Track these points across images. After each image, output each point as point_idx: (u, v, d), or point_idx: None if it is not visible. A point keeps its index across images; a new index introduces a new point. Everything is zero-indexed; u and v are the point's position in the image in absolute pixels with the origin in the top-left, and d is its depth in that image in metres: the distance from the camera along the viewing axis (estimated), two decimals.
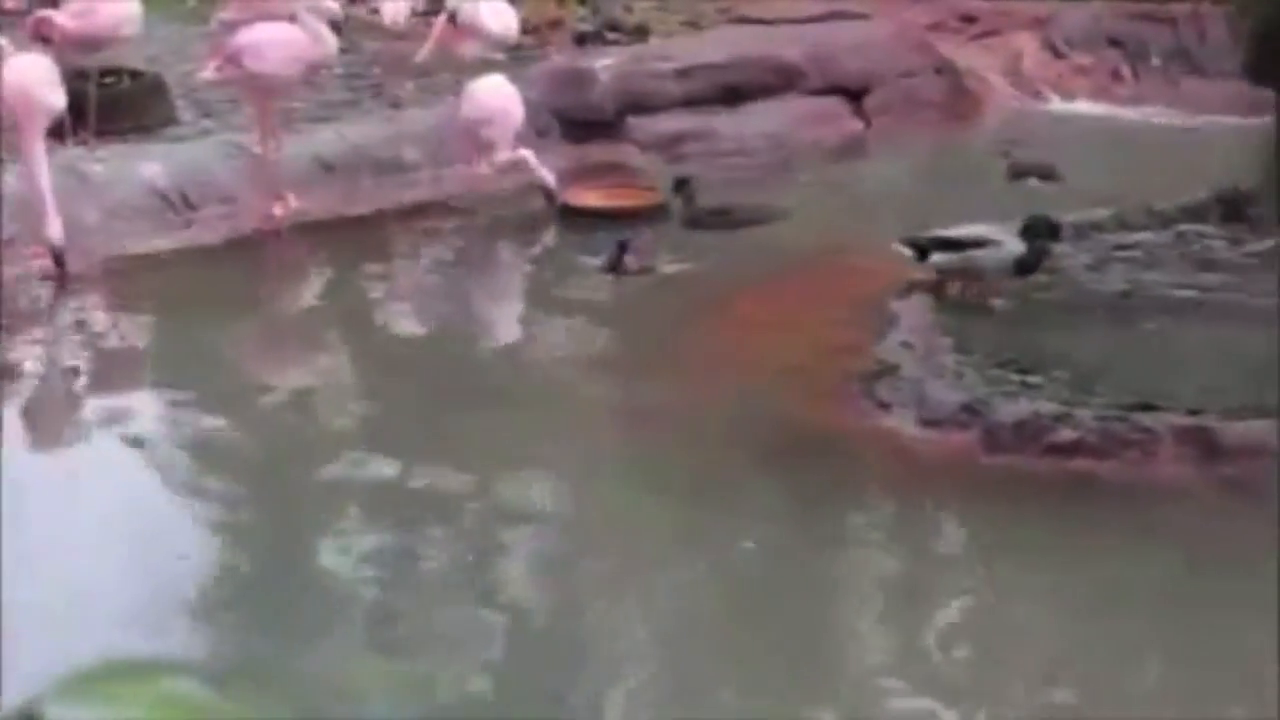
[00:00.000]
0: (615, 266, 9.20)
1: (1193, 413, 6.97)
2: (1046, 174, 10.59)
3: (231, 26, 11.11)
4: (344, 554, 6.48)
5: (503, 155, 10.48)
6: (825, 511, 6.73)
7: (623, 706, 5.58)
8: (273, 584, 6.28)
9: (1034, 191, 10.38)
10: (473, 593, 6.21)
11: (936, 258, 8.37)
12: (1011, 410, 7.06)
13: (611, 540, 6.61)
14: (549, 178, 10.44)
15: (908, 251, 8.47)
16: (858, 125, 12.47)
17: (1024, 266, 8.30)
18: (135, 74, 11.60)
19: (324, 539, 6.62)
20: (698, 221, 10.17)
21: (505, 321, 9.45)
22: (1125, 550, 6.33)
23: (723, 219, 10.16)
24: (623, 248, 9.21)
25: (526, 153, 10.51)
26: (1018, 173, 10.79)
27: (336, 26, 10.55)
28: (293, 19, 10.39)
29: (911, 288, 8.41)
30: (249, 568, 6.50)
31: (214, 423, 7.76)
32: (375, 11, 12.54)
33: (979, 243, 8.36)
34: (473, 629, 5.95)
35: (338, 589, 6.23)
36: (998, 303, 8.32)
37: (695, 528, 6.67)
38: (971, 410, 7.10)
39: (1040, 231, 8.37)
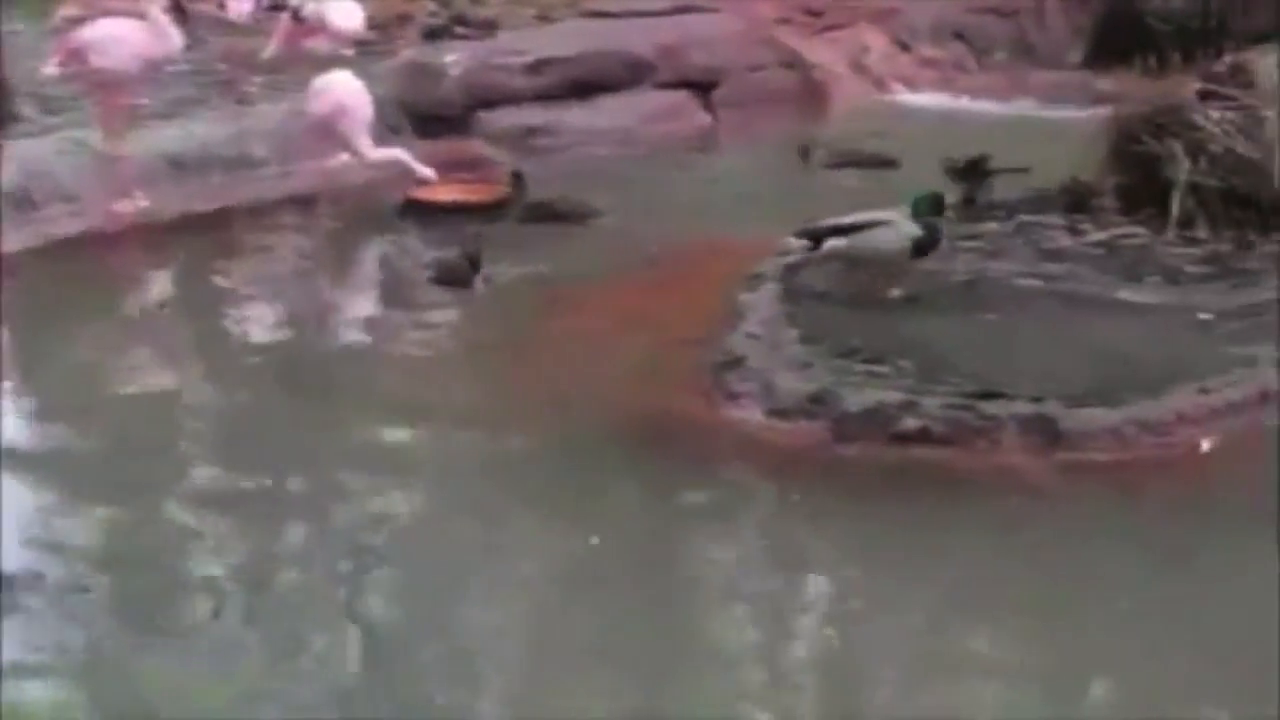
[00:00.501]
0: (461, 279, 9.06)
1: (1035, 400, 7.07)
2: (873, 163, 10.64)
3: (75, 22, 10.99)
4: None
5: (369, 153, 10.44)
6: (671, 503, 6.76)
7: (464, 699, 5.57)
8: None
9: (877, 185, 10.46)
10: (315, 594, 6.16)
11: (832, 243, 8.28)
12: (858, 400, 7.12)
13: (458, 536, 6.59)
14: (427, 171, 10.41)
15: (801, 243, 8.43)
16: (706, 119, 12.54)
17: (922, 246, 8.21)
18: None
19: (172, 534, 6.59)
20: (529, 216, 10.19)
21: (350, 320, 9.36)
22: (969, 536, 6.42)
23: (553, 213, 10.20)
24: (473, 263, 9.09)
25: (400, 151, 10.50)
26: (835, 163, 10.93)
27: (181, 17, 10.44)
28: (138, 15, 10.29)
29: (759, 279, 8.45)
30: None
31: (53, 427, 7.69)
32: (223, 6, 12.40)
33: (874, 225, 8.29)
34: (313, 635, 5.91)
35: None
36: (895, 293, 8.26)
37: (541, 523, 6.70)
38: (819, 400, 7.16)
39: (930, 210, 8.29)
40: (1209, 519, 6.48)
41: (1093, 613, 5.92)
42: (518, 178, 10.48)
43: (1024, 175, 9.62)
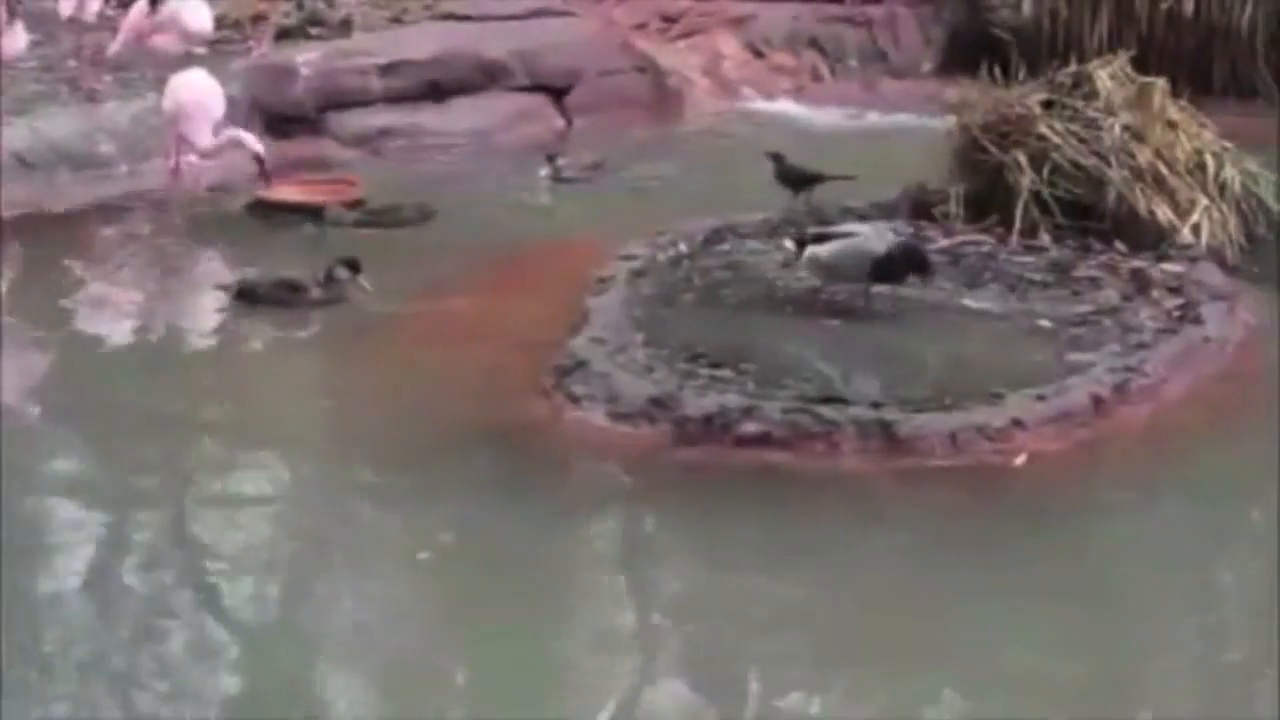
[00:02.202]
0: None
1: (874, 405, 7.14)
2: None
3: None
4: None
5: (203, 143, 10.37)
6: (510, 507, 6.72)
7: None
8: None
9: (726, 191, 10.51)
10: (146, 610, 6.10)
11: (810, 250, 8.28)
12: (699, 404, 7.16)
13: (302, 545, 6.56)
14: (259, 147, 10.33)
15: (791, 245, 8.45)
16: (560, 123, 12.56)
17: (883, 268, 8.13)
18: None
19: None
20: (367, 220, 10.15)
21: (190, 323, 9.22)
22: (807, 539, 6.46)
23: (390, 217, 10.16)
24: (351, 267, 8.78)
25: (238, 131, 10.43)
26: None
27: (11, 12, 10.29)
28: None
29: (606, 283, 8.48)
30: None
31: None
32: None
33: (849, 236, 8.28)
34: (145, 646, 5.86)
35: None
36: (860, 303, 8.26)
37: (379, 527, 6.69)
38: (660, 404, 7.19)
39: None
40: (1039, 524, 6.57)
41: (926, 615, 5.98)
42: None
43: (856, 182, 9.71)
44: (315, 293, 8.68)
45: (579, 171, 11.16)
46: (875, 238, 8.21)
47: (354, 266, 8.67)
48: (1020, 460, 6.92)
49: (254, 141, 10.35)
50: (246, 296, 8.77)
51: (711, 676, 5.79)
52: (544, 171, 11.05)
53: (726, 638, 5.96)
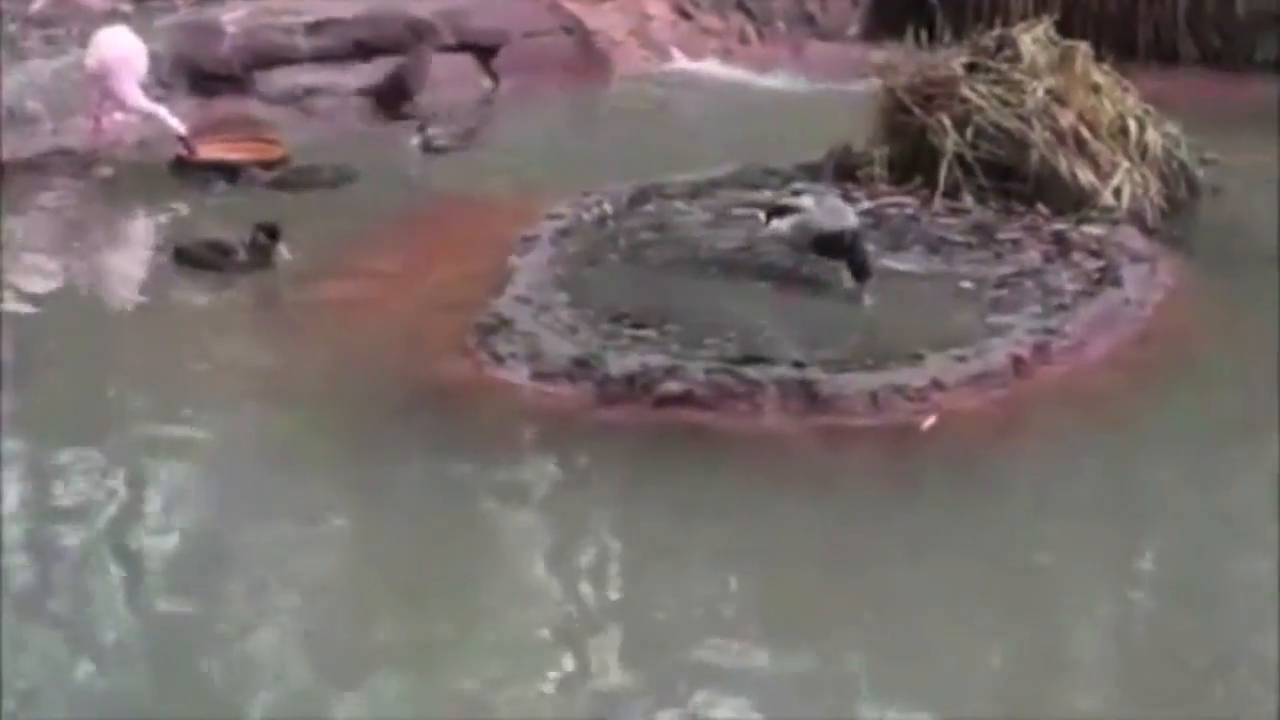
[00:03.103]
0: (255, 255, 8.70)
1: (796, 365, 7.19)
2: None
3: None
4: None
5: (136, 104, 10.31)
6: (431, 466, 6.76)
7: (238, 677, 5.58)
8: None
9: (652, 152, 10.52)
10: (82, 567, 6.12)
11: (774, 224, 8.31)
12: (622, 364, 7.19)
13: (229, 509, 6.55)
14: (181, 128, 10.29)
15: (761, 216, 8.47)
16: (488, 83, 12.53)
17: (826, 242, 8.15)
18: None
19: None
20: (285, 181, 10.11)
21: (116, 281, 9.22)
22: (728, 498, 6.51)
23: (309, 178, 10.14)
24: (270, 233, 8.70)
25: (159, 108, 10.37)
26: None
27: None
28: None
29: (530, 242, 8.49)
30: None
31: None
32: None
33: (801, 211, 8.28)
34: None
35: None
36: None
37: (311, 492, 6.68)
38: (583, 364, 7.22)
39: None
40: (953, 483, 6.64)
41: (841, 570, 6.04)
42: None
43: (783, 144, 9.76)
44: (242, 255, 8.63)
45: (451, 140, 11.10)
46: (825, 214, 8.20)
47: (273, 233, 8.61)
48: (929, 423, 6.96)
49: (174, 121, 10.28)
50: (178, 258, 8.77)
51: (625, 633, 5.86)
52: (415, 140, 10.96)
53: (642, 594, 6.02)
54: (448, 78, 12.33)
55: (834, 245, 8.08)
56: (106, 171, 10.33)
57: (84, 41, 10.71)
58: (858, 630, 5.74)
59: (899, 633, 5.70)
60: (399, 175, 10.41)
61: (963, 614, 5.79)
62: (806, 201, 8.28)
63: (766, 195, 9.16)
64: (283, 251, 8.54)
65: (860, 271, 8.01)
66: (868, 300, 7.95)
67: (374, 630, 5.76)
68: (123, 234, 9.85)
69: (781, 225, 8.23)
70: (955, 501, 6.48)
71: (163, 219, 9.85)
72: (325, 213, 9.55)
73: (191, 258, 8.75)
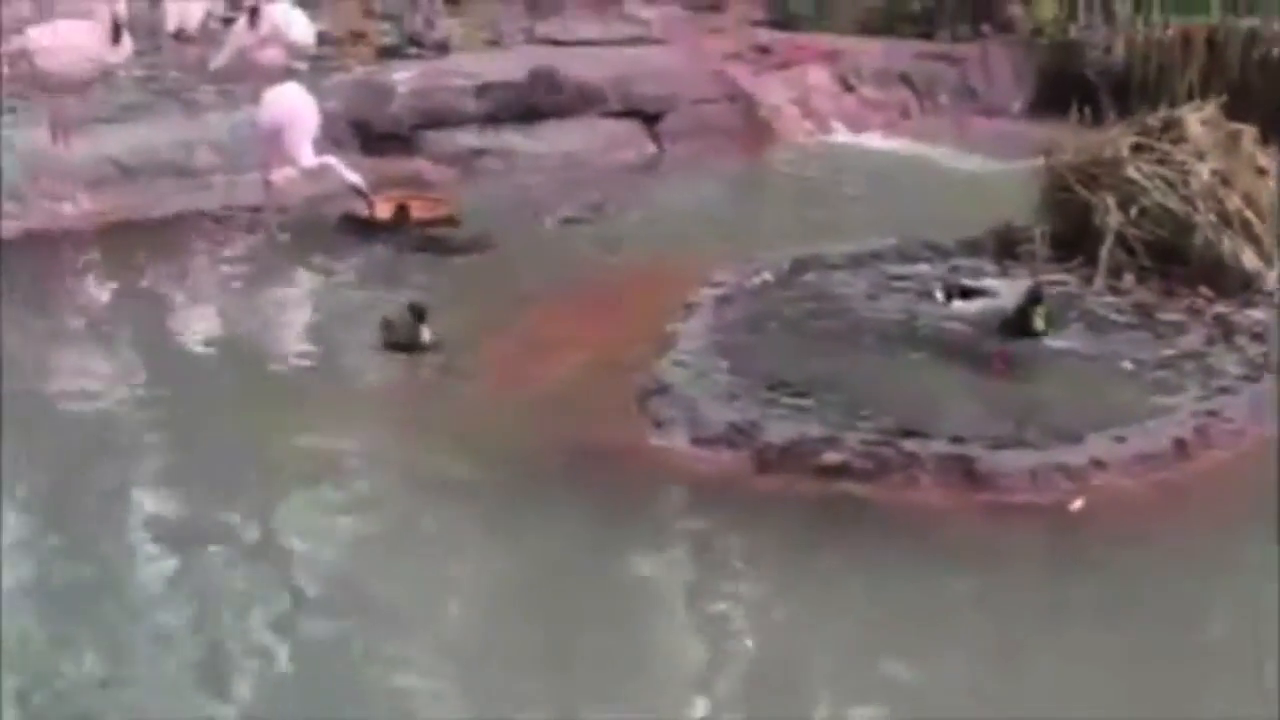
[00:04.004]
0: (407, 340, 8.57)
1: (956, 440, 7.19)
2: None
3: (25, 23, 11.04)
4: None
5: (305, 161, 10.52)
6: (588, 529, 6.82)
7: None
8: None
9: (813, 222, 10.58)
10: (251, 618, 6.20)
11: (957, 304, 8.44)
12: (781, 432, 7.23)
13: (387, 566, 6.63)
14: (356, 178, 10.48)
15: (940, 295, 8.54)
16: (652, 148, 12.67)
17: (1012, 327, 8.29)
18: None
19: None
20: (422, 244, 10.25)
21: (285, 332, 9.42)
22: (885, 570, 6.52)
23: (443, 243, 10.27)
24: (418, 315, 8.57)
25: (331, 159, 10.57)
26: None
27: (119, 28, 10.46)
28: (87, 18, 10.35)
29: (692, 309, 8.57)
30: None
31: None
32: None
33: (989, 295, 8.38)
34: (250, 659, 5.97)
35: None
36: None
37: (470, 552, 6.77)
38: (742, 431, 7.27)
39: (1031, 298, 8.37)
40: (1110, 563, 6.62)
41: (1000, 646, 6.04)
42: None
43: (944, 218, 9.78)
44: (398, 336, 8.57)
45: (581, 212, 11.15)
46: (1010, 296, 8.23)
47: (419, 314, 8.50)
48: (1077, 504, 6.95)
49: (351, 174, 10.47)
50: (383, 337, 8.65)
51: (771, 701, 5.87)
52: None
53: (795, 663, 6.05)
54: (612, 143, 12.48)
55: (1023, 328, 8.07)
56: (280, 233, 10.52)
57: (257, 98, 10.94)
58: (1008, 704, 5.72)
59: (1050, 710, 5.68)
60: (546, 240, 10.52)
61: (1114, 695, 5.75)
62: (995, 284, 8.29)
63: (928, 269, 9.25)
64: (425, 334, 8.47)
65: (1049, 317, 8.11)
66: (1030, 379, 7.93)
67: (519, 684, 5.82)
68: (286, 290, 10.02)
69: (968, 306, 8.23)
70: (1111, 582, 6.43)
71: (322, 273, 10.05)
72: (485, 274, 9.70)
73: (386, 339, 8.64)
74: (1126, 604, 6.29)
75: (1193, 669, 5.95)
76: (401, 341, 8.50)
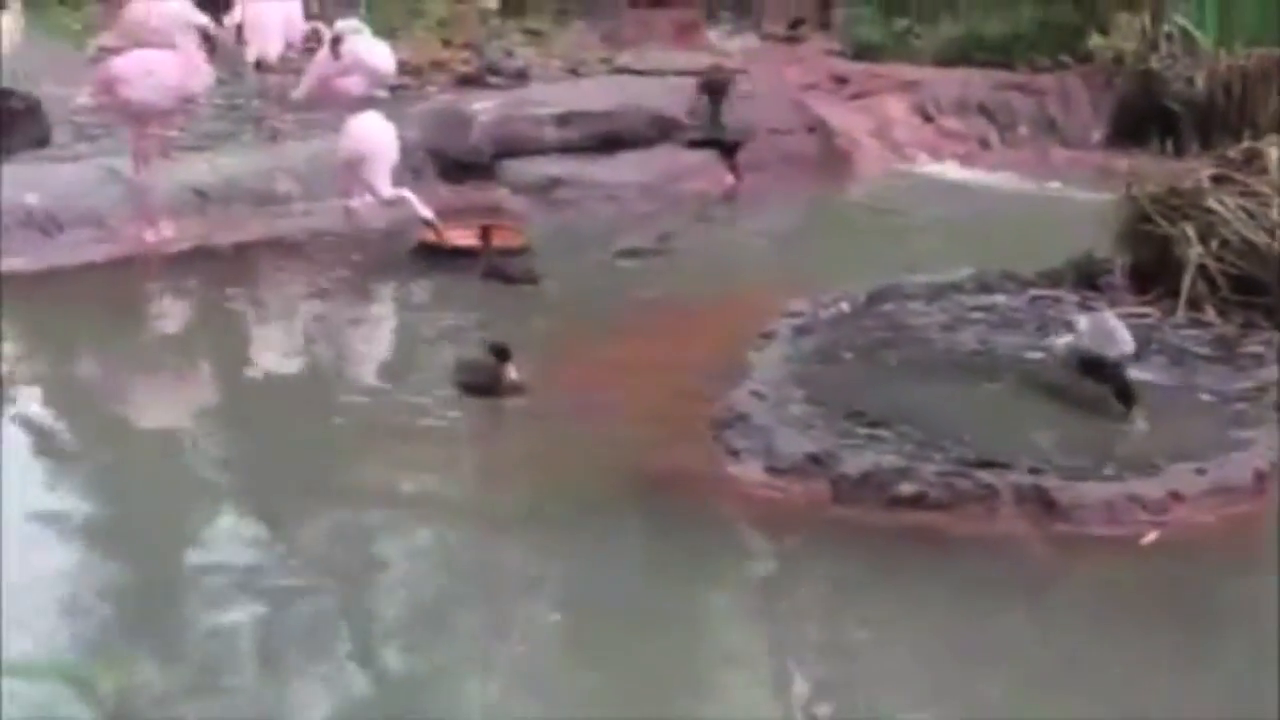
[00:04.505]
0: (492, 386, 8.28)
1: (1033, 471, 7.15)
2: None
3: (111, 53, 11.16)
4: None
5: (383, 192, 10.59)
6: (666, 558, 6.82)
7: None
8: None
9: (891, 253, 10.56)
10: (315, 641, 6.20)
11: (1063, 341, 8.15)
12: (857, 462, 7.21)
13: (462, 594, 6.63)
14: (428, 213, 10.54)
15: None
16: (729, 178, 12.68)
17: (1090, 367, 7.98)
18: (7, 93, 11.60)
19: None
20: (494, 272, 10.25)
21: (366, 359, 9.46)
22: (962, 602, 6.49)
23: (521, 272, 10.26)
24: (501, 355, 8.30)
25: (406, 192, 10.63)
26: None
27: (209, 46, 10.54)
28: (171, 47, 10.45)
29: (768, 338, 8.57)
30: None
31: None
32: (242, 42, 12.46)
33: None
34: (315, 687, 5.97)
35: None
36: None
37: (542, 573, 6.78)
38: (818, 461, 7.25)
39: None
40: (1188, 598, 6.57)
41: (1083, 682, 5.99)
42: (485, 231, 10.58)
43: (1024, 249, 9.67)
44: (480, 379, 8.31)
45: (656, 242, 11.12)
46: (1097, 336, 8.00)
47: (503, 354, 8.24)
48: (1150, 537, 6.90)
49: (421, 206, 10.52)
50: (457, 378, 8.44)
51: None
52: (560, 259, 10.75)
53: (870, 695, 6.02)
54: (690, 173, 12.51)
55: (1099, 369, 7.99)
56: (351, 254, 10.59)
57: (338, 127, 11.02)
58: None
59: None
60: (620, 269, 10.56)
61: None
62: (1081, 322, 8.21)
63: (1005, 300, 9.23)
64: (511, 373, 8.21)
65: (1124, 397, 7.90)
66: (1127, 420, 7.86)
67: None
68: (363, 319, 10.06)
69: (1057, 342, 8.16)
70: (1186, 615, 6.39)
71: (404, 308, 10.09)
72: (560, 303, 9.78)
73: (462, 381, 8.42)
74: (1196, 640, 6.24)
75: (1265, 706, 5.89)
76: (482, 384, 8.27)
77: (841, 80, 14.25)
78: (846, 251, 10.89)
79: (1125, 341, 8.05)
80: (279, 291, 10.23)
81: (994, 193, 12.55)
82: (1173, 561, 6.80)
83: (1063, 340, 8.15)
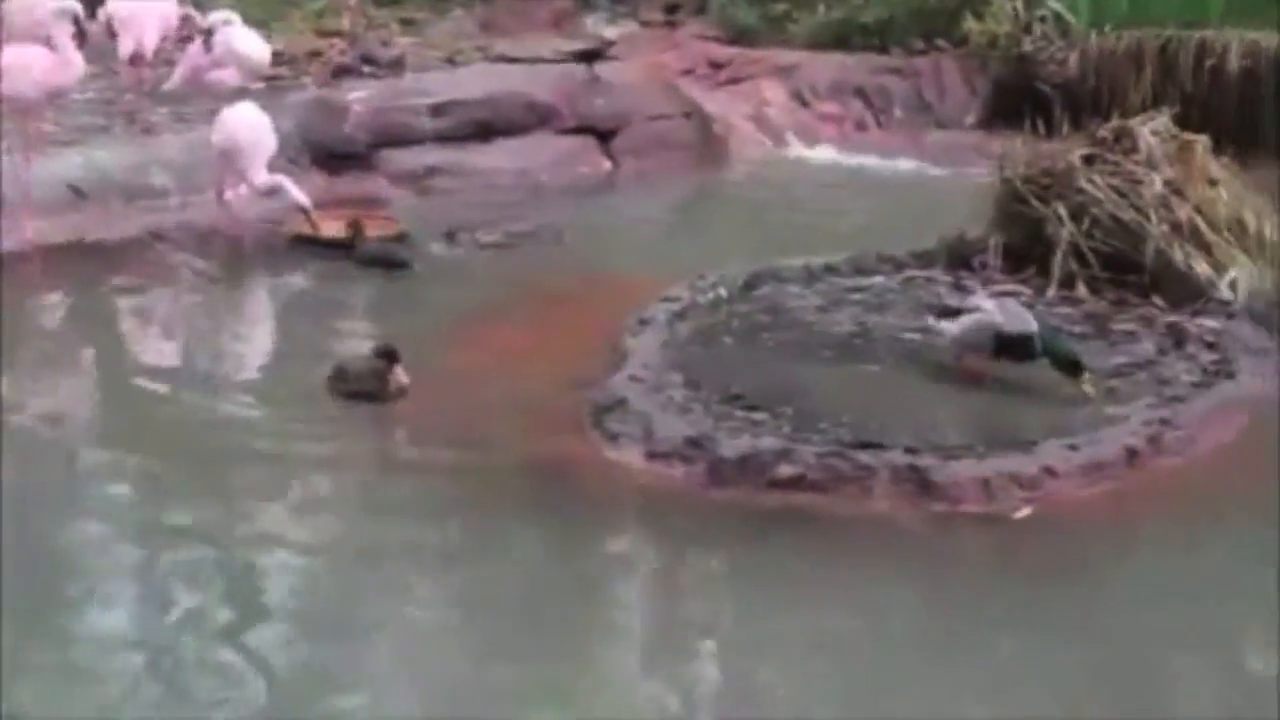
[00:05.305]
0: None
1: (909, 451, 7.21)
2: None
3: None
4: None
5: (258, 181, 10.52)
6: (540, 543, 6.85)
7: None
8: None
9: (768, 237, 10.61)
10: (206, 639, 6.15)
11: (943, 324, 8.24)
12: (735, 445, 7.24)
13: (344, 581, 6.61)
14: (305, 199, 10.48)
15: (933, 320, 8.37)
16: (607, 165, 12.69)
17: (1008, 348, 8.01)
18: None
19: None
20: (370, 261, 10.25)
21: (239, 353, 9.35)
22: (839, 582, 6.54)
23: (393, 260, 10.29)
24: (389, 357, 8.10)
25: (282, 178, 10.57)
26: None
27: (80, 40, 10.42)
28: (46, 41, 10.33)
29: (645, 323, 8.59)
30: None
31: None
32: (113, 37, 12.30)
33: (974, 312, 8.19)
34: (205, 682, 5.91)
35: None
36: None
37: (412, 559, 6.75)
38: (696, 444, 7.27)
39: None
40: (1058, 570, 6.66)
41: (955, 658, 6.06)
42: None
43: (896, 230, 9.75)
44: (361, 385, 8.07)
45: (534, 228, 11.09)
46: (1010, 318, 8.08)
47: (390, 356, 8.06)
48: (1023, 513, 6.97)
49: (298, 193, 10.47)
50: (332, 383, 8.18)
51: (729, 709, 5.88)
52: (435, 247, 10.78)
53: (746, 673, 6.06)
54: (566, 159, 12.51)
55: (1021, 349, 8.00)
56: (226, 246, 10.52)
57: (212, 118, 10.92)
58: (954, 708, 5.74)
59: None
60: (498, 257, 10.57)
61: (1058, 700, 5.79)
62: (986, 303, 8.24)
63: (882, 281, 9.31)
64: (400, 376, 8.02)
65: (1072, 366, 7.93)
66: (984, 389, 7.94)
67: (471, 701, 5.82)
68: (238, 311, 10.01)
69: (952, 326, 8.17)
70: (1058, 590, 6.47)
71: (283, 290, 10.05)
72: (436, 292, 9.76)
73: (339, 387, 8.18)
74: (1066, 613, 6.32)
75: (1137, 675, 5.98)
76: (365, 390, 8.03)
77: (718, 65, 14.29)
78: (724, 236, 10.95)
79: (1031, 320, 8.13)
80: (153, 286, 10.10)
81: (870, 176, 12.63)
82: (1045, 536, 6.89)
83: (965, 321, 8.14)
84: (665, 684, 6.05)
